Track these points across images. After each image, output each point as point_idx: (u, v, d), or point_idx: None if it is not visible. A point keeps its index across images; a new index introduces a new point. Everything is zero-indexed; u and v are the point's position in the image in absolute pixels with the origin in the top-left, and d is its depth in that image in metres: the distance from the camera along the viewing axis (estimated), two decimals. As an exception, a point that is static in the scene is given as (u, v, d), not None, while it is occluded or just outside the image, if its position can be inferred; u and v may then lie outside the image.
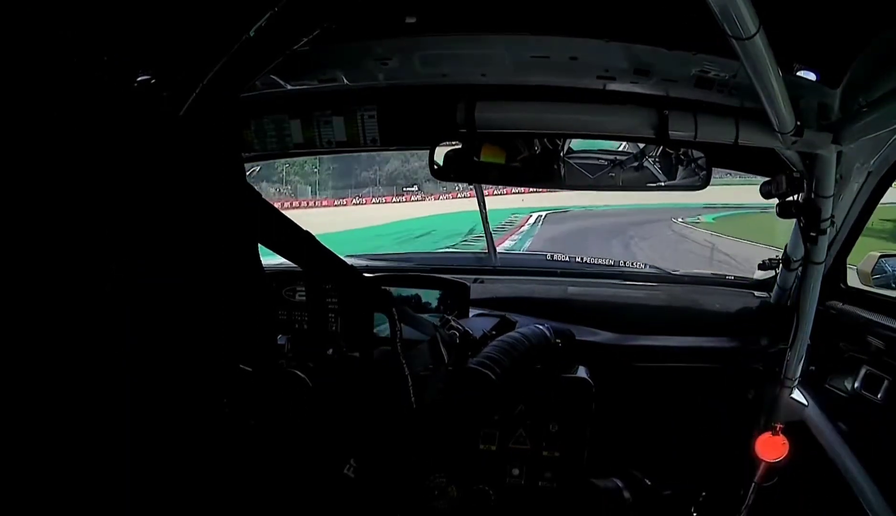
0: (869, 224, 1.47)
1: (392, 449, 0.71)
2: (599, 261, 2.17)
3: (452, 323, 1.19)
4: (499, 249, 2.12)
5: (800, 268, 1.48)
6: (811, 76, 1.06)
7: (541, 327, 1.24)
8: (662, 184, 1.37)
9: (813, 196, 1.30)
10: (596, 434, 1.18)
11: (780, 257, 1.57)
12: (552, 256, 2.20)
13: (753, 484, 1.59)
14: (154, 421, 0.41)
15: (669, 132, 1.13)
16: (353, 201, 26.86)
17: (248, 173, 1.55)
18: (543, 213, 19.09)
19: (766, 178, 1.43)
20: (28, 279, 0.33)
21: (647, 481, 1.28)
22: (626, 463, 1.33)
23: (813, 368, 1.53)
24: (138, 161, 0.40)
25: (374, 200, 27.17)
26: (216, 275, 0.46)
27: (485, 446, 1.17)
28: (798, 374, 1.52)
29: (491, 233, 2.15)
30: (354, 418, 0.60)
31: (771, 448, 1.59)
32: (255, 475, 0.45)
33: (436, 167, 1.34)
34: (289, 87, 1.29)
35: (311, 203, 24.79)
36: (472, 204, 2.10)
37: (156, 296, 0.42)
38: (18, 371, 0.32)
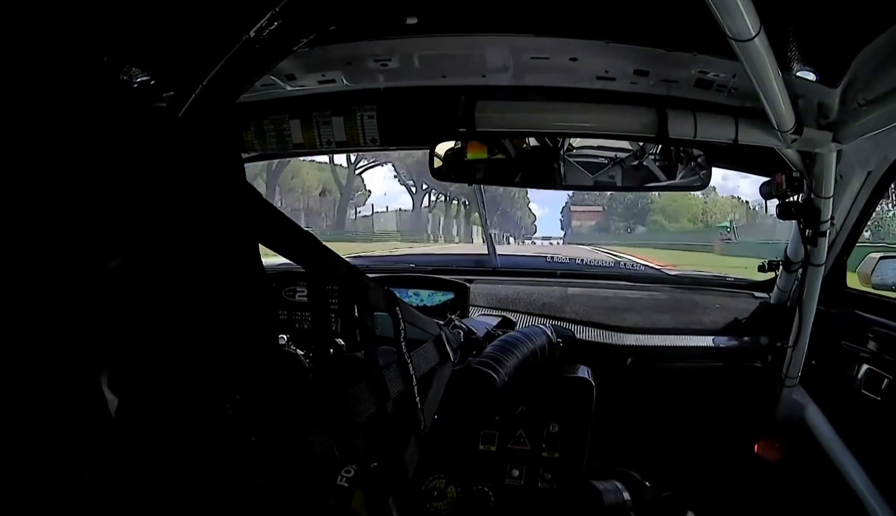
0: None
1: (398, 452, 0.70)
2: (599, 263, 2.18)
3: (456, 322, 1.19)
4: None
5: (800, 270, 1.48)
6: (810, 76, 1.06)
7: (542, 327, 1.24)
8: (662, 183, 1.37)
9: (812, 196, 1.30)
10: (596, 434, 1.18)
11: (781, 259, 1.58)
12: (552, 258, 2.21)
13: (753, 484, 1.59)
14: (154, 424, 0.41)
15: (669, 131, 1.13)
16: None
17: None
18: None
19: (766, 179, 1.43)
20: (25, 280, 0.33)
21: (647, 482, 1.27)
22: (627, 464, 1.33)
23: (813, 368, 1.53)
24: (137, 162, 0.40)
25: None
26: (217, 275, 0.46)
27: (484, 447, 1.17)
28: (798, 374, 1.52)
29: (491, 235, 2.16)
30: (355, 420, 0.59)
31: (771, 448, 1.59)
32: (252, 481, 0.44)
33: (435, 167, 1.34)
34: (288, 87, 1.29)
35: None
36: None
37: (156, 298, 0.42)
38: (16, 373, 0.32)
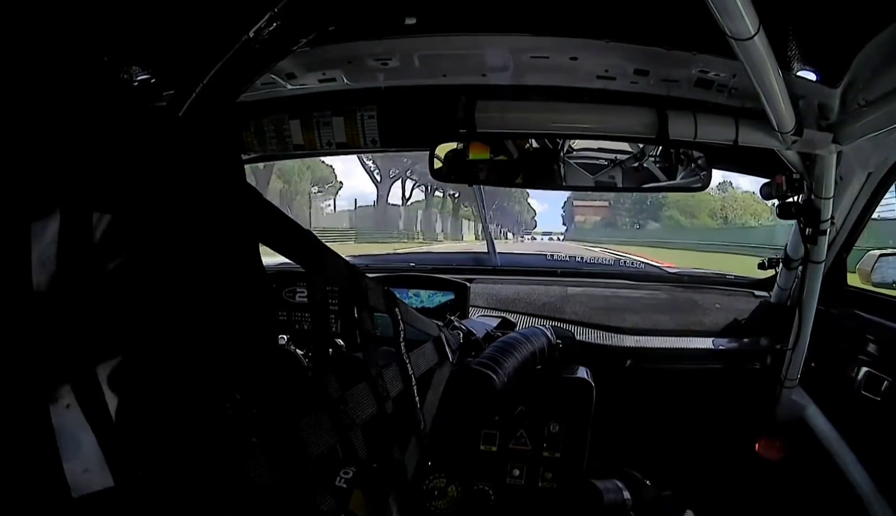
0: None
1: (398, 452, 0.71)
2: (599, 262, 2.18)
3: (455, 323, 1.19)
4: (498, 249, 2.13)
5: (800, 268, 1.48)
6: (811, 76, 1.06)
7: (541, 328, 1.24)
8: (663, 184, 1.37)
9: (812, 197, 1.30)
10: (596, 434, 1.18)
11: (781, 257, 1.58)
12: (552, 256, 2.21)
13: (753, 483, 1.59)
14: (154, 424, 0.41)
15: (669, 132, 1.14)
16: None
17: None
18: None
19: (766, 180, 1.43)
20: (25, 280, 0.33)
21: (648, 482, 1.28)
22: (627, 464, 1.33)
23: (813, 368, 1.53)
24: (137, 162, 0.40)
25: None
26: (217, 275, 0.46)
27: (485, 447, 1.17)
28: (798, 374, 1.52)
29: (491, 234, 2.16)
30: (355, 420, 0.59)
31: (771, 448, 1.59)
32: (252, 481, 0.44)
33: (436, 168, 1.34)
34: (288, 86, 1.29)
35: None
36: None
37: (156, 298, 0.42)
38: (16, 374, 0.32)
